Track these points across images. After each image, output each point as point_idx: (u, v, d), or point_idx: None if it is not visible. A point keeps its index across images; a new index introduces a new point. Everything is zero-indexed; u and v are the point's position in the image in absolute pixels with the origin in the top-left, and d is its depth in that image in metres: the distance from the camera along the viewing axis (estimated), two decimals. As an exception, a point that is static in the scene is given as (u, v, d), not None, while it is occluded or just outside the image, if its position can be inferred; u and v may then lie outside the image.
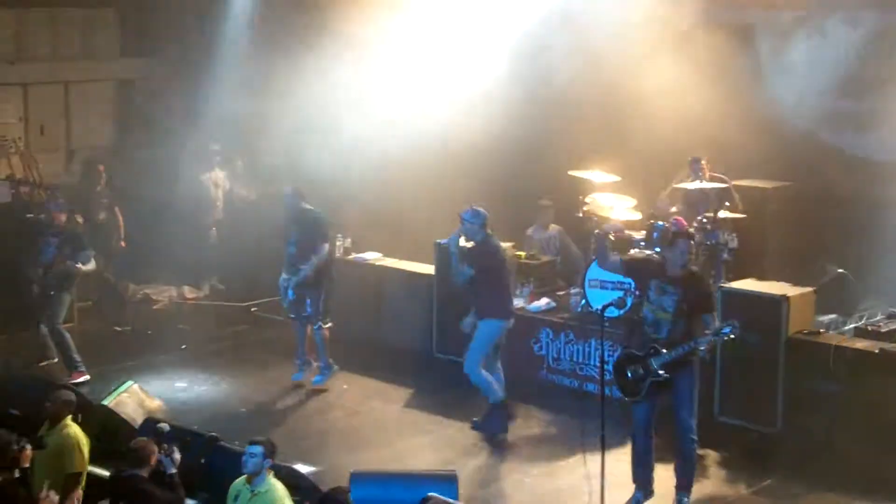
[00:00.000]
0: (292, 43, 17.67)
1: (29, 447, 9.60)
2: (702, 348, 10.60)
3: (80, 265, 14.38)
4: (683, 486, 10.90)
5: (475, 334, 12.77)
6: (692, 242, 11.01)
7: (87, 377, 14.13)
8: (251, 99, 18.41)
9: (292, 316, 14.33)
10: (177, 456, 9.62)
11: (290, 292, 14.10)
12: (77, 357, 14.28)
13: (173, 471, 9.57)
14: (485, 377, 12.76)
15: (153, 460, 9.58)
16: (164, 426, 10.33)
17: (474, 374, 12.75)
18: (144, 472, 9.51)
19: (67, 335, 14.45)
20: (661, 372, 10.51)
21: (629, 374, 10.71)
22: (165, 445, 9.62)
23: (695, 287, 10.69)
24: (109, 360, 14.87)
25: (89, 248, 14.65)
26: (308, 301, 14.03)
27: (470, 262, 12.68)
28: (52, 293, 14.36)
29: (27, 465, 9.67)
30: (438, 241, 15.00)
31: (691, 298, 10.57)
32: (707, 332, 10.54)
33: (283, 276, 14.19)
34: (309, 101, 17.52)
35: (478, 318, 12.77)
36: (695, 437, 10.78)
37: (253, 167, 18.76)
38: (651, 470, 11.01)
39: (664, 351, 10.49)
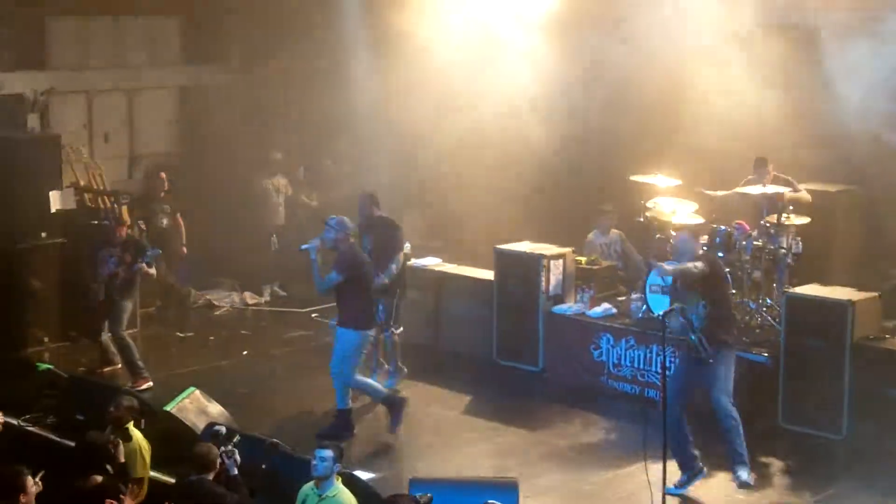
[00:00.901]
0: (352, 48, 17.75)
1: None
2: None
3: (144, 266, 14.41)
4: (737, 461, 11.27)
5: (337, 342, 12.87)
6: (689, 235, 11.88)
7: (150, 384, 14.19)
8: (313, 105, 18.51)
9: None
10: (237, 457, 9.66)
11: None
12: (140, 364, 14.34)
13: (235, 471, 9.61)
14: (362, 380, 12.97)
15: (218, 464, 9.63)
16: (222, 429, 10.38)
17: (353, 382, 12.88)
18: (210, 477, 9.56)
19: (131, 342, 14.52)
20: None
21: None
22: (226, 447, 9.66)
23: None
24: (172, 366, 14.97)
25: (152, 248, 14.69)
26: (381, 307, 13.78)
27: (337, 270, 12.80)
28: (114, 299, 14.45)
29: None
30: (499, 246, 14.98)
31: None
32: None
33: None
34: (369, 108, 17.61)
35: (338, 325, 12.90)
36: (733, 415, 11.23)
37: (314, 174, 18.82)
38: (687, 446, 11.28)
39: None
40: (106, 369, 14.61)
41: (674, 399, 11.24)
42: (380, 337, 14.05)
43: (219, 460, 9.66)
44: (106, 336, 14.59)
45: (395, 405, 12.96)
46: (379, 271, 13.62)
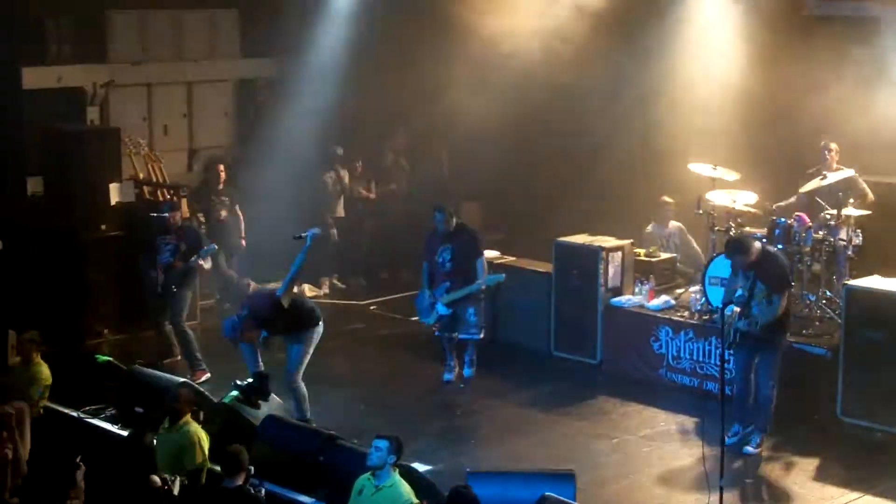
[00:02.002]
0: (412, 42, 17.75)
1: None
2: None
3: (200, 261, 14.48)
4: (757, 427, 12.14)
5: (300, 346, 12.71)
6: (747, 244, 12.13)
7: (208, 375, 14.28)
8: (372, 98, 18.53)
9: (444, 333, 14.04)
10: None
11: (440, 308, 13.82)
12: (199, 356, 14.42)
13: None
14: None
15: (247, 466, 9.66)
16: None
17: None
18: (240, 480, 9.57)
19: (191, 334, 14.59)
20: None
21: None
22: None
23: (767, 268, 11.96)
24: (230, 358, 14.99)
25: (208, 242, 14.72)
26: (471, 310, 13.77)
27: None
28: (173, 290, 14.51)
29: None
30: (558, 239, 14.95)
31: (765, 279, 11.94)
32: None
33: (428, 292, 14.00)
34: (427, 100, 17.61)
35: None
36: (771, 396, 12.03)
37: (373, 167, 18.85)
38: (745, 406, 12.19)
39: None
40: (166, 361, 14.68)
41: (742, 366, 12.19)
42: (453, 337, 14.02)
43: (245, 464, 9.69)
44: (167, 327, 14.68)
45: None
46: (459, 278, 13.71)
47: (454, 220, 14.02)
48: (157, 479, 9.75)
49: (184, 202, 16.29)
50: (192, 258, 14.43)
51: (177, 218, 14.75)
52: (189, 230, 14.87)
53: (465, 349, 14.04)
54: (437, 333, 14.12)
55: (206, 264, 14.73)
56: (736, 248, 12.08)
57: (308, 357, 12.72)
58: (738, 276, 12.09)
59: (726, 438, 11.30)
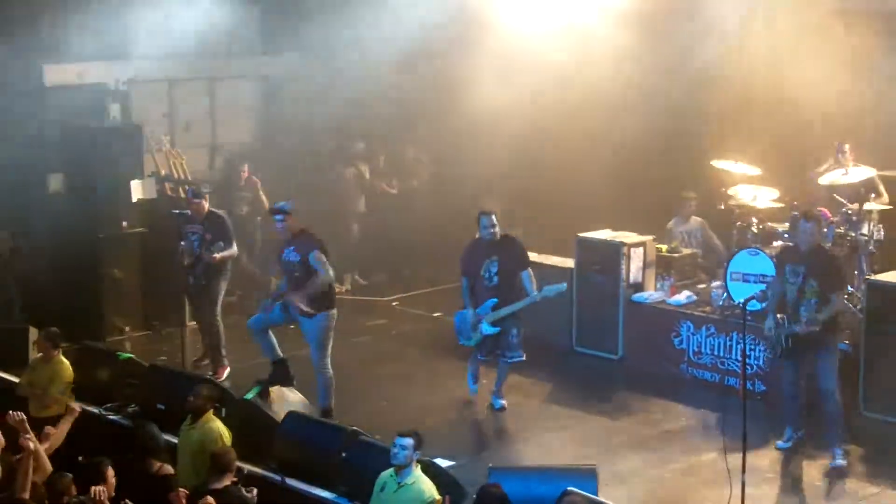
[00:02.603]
0: (435, 37, 17.74)
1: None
2: None
3: (215, 255, 14.03)
4: (833, 441, 11.62)
5: (317, 333, 12.59)
6: (813, 224, 11.62)
7: (229, 369, 14.28)
8: (392, 94, 18.53)
9: (485, 357, 13.24)
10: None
11: (486, 327, 12.90)
12: (224, 352, 14.36)
13: None
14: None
15: (236, 469, 9.65)
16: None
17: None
18: (227, 481, 9.56)
19: (222, 328, 14.34)
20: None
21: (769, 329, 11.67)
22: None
23: (821, 264, 11.54)
24: (252, 355, 15.00)
25: (229, 237, 14.29)
26: (514, 331, 12.89)
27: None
28: (203, 283, 14.27)
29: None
30: (580, 234, 14.94)
31: (818, 276, 11.46)
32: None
33: (471, 311, 13.03)
34: (450, 97, 17.61)
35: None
36: (837, 399, 11.60)
37: (395, 162, 18.85)
38: (797, 408, 11.92)
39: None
40: (206, 361, 14.59)
41: (793, 371, 11.85)
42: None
43: (236, 465, 9.67)
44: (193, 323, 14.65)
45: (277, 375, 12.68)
46: (508, 293, 12.82)
47: (496, 226, 12.93)
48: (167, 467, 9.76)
49: (205, 199, 16.29)
50: (207, 253, 14.09)
51: (203, 206, 14.35)
52: (215, 219, 14.38)
53: (499, 374, 13.27)
54: (480, 357, 13.26)
55: (222, 254, 14.15)
56: (809, 217, 11.75)
57: (330, 341, 12.65)
58: (784, 273, 11.71)
59: (779, 443, 11.84)
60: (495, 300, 12.80)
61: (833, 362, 11.62)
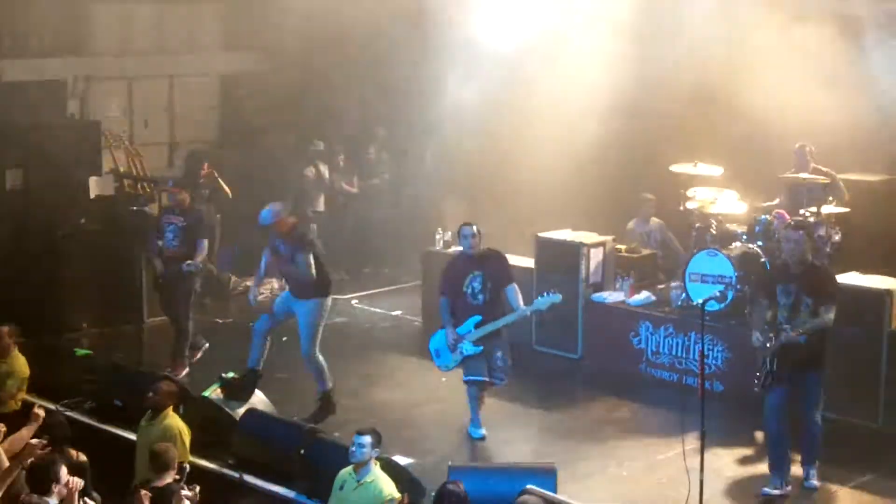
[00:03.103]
0: (396, 35, 17.74)
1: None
2: None
3: (191, 268, 13.85)
4: (809, 460, 11.16)
5: (308, 318, 12.54)
6: (803, 233, 10.97)
7: (188, 370, 14.15)
8: (355, 92, 18.52)
9: (474, 377, 12.18)
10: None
11: (467, 347, 12.10)
12: (187, 352, 14.22)
13: None
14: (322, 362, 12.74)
15: (177, 466, 9.60)
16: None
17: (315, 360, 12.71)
18: (168, 478, 9.50)
19: (189, 330, 14.18)
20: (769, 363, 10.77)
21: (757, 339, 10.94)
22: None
23: (814, 281, 10.80)
24: (210, 352, 15.00)
25: (204, 235, 14.22)
26: (499, 353, 12.13)
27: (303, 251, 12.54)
28: (176, 282, 14.06)
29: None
30: (540, 234, 14.95)
31: (811, 293, 10.72)
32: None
33: (449, 330, 12.20)
34: (410, 95, 17.60)
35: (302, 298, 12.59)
36: (818, 423, 11.00)
37: (354, 161, 18.83)
38: (786, 456, 11.05)
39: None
40: (196, 357, 14.52)
41: (777, 405, 10.95)
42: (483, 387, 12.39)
43: (177, 462, 9.60)
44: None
45: (325, 407, 12.61)
46: (494, 312, 12.08)
47: (479, 240, 12.22)
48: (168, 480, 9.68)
49: (164, 196, 16.25)
50: (184, 265, 13.83)
51: (183, 197, 14.29)
52: (195, 212, 14.36)
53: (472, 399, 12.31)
54: (465, 378, 12.23)
55: (199, 258, 14.08)
56: (798, 226, 11.30)
57: (320, 329, 12.64)
58: (774, 294, 10.91)
59: (764, 489, 11.03)
60: (479, 318, 12.06)
61: (818, 384, 10.97)
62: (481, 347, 12.03)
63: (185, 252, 13.98)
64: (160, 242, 14.13)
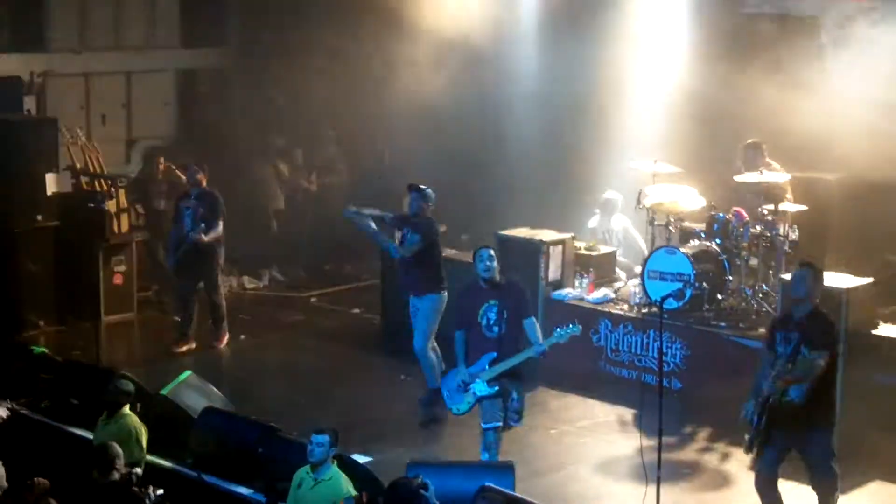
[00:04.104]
0: (355, 32, 17.72)
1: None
2: None
3: (202, 236, 14.54)
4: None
5: (419, 313, 12.72)
6: (813, 271, 10.02)
7: (228, 335, 14.98)
8: (313, 89, 18.48)
9: (490, 423, 10.95)
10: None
11: (480, 387, 10.94)
12: (225, 324, 15.05)
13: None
14: (432, 356, 12.76)
15: (117, 465, 9.53)
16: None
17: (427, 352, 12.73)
18: (115, 476, 9.42)
19: (223, 303, 15.10)
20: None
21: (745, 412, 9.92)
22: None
23: (812, 327, 9.79)
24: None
25: (218, 216, 14.73)
26: (515, 395, 10.98)
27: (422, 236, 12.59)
28: (198, 264, 14.77)
29: None
30: (499, 232, 14.93)
31: (809, 340, 9.71)
32: None
33: (463, 368, 11.09)
34: (369, 92, 17.59)
35: (417, 294, 12.72)
36: (834, 469, 9.91)
37: (314, 158, 18.78)
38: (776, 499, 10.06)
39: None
40: (182, 348, 14.78)
41: (770, 464, 10.00)
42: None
43: (118, 461, 9.54)
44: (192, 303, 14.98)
45: (431, 404, 12.52)
46: (512, 346, 11.01)
47: (497, 267, 11.13)
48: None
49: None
50: (189, 234, 14.52)
51: (200, 180, 14.80)
52: (209, 195, 14.82)
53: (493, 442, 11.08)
54: (485, 426, 10.96)
55: (208, 237, 14.65)
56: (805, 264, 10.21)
57: (436, 325, 12.71)
58: (774, 343, 9.95)
59: None
60: (494, 354, 10.91)
61: (828, 442, 9.91)
62: (496, 388, 10.88)
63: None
64: (181, 227, 14.71)
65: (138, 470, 9.97)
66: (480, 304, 11.02)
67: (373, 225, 13.01)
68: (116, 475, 9.43)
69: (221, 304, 15.05)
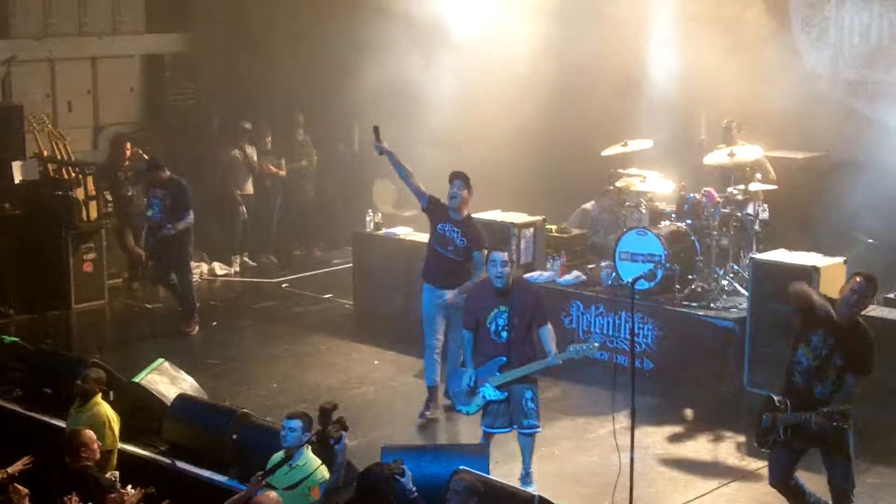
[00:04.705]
0: (323, 16, 17.66)
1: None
2: None
3: (171, 231, 14.68)
4: None
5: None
6: (869, 284, 9.37)
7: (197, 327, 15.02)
8: (282, 74, 18.42)
9: (494, 430, 10.77)
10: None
11: (488, 391, 10.61)
12: (196, 314, 15.10)
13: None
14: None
15: (83, 452, 9.52)
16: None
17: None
18: (88, 462, 9.46)
19: (193, 290, 15.17)
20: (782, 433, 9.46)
21: (763, 421, 9.61)
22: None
23: (853, 341, 9.29)
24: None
25: (186, 205, 14.83)
26: (528, 394, 10.59)
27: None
28: (167, 251, 14.88)
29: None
30: (471, 215, 14.88)
31: (845, 352, 9.26)
32: None
33: (471, 371, 10.72)
34: (341, 76, 17.53)
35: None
36: (851, 498, 9.55)
37: (282, 143, 18.72)
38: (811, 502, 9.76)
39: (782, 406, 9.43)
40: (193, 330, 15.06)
41: (782, 467, 9.72)
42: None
43: (89, 447, 9.53)
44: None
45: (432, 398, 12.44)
46: (525, 352, 10.63)
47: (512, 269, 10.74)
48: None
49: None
50: (161, 230, 14.65)
51: (162, 174, 14.90)
52: (176, 185, 14.93)
53: (522, 452, 10.80)
54: (485, 429, 10.77)
55: (180, 227, 14.80)
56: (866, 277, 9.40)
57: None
58: (808, 340, 9.41)
59: None
60: (503, 359, 10.56)
61: (848, 458, 9.42)
62: (506, 394, 10.55)
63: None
64: (149, 213, 14.87)
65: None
66: (490, 308, 10.64)
67: (405, 170, 12.57)
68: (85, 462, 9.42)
69: (192, 292, 15.07)
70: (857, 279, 9.38)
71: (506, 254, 10.64)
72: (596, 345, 10.71)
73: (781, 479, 9.73)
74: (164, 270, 15.08)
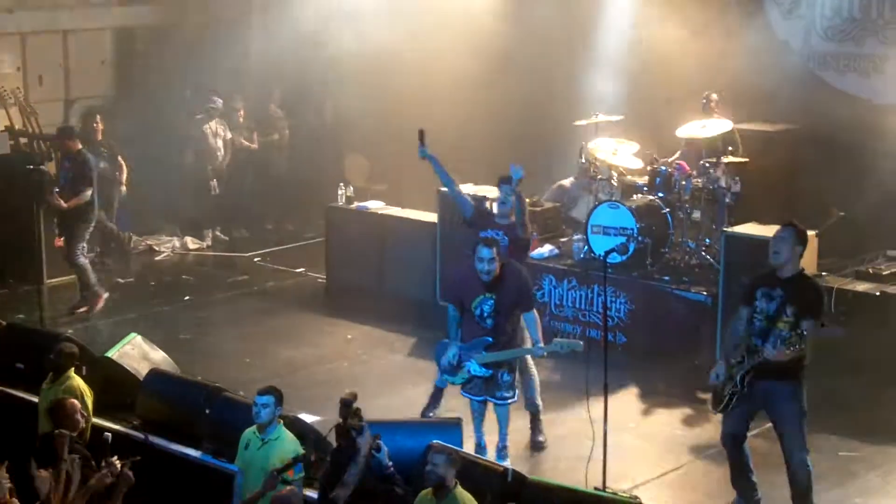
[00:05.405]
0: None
1: None
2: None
3: (60, 202, 14.56)
4: None
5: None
6: (797, 232, 9.59)
7: (106, 296, 14.88)
8: (253, 46, 18.36)
9: (472, 396, 10.86)
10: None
11: (474, 367, 10.66)
12: (94, 285, 14.82)
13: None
14: None
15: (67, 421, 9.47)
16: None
17: None
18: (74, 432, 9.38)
19: (86, 264, 14.87)
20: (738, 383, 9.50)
21: (713, 377, 9.71)
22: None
23: (801, 290, 9.44)
24: (112, 312, 14.88)
25: (87, 181, 14.69)
26: (506, 373, 10.75)
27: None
28: (66, 226, 14.68)
29: None
30: (443, 188, 14.91)
31: (796, 302, 9.36)
32: None
33: (456, 346, 10.75)
34: (312, 49, 17.48)
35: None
36: (809, 468, 9.60)
37: (254, 117, 18.66)
38: (750, 477, 9.88)
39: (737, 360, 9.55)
40: (80, 310, 14.79)
41: (736, 422, 9.74)
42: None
43: (72, 417, 9.51)
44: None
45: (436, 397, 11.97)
46: (507, 339, 10.71)
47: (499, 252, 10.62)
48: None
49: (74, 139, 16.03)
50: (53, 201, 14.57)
51: (71, 145, 14.80)
52: (82, 159, 14.82)
53: (499, 423, 10.99)
54: (464, 394, 10.96)
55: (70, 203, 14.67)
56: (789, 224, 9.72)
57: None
58: (753, 299, 9.59)
59: None
60: (489, 339, 10.62)
61: (799, 417, 9.53)
62: (490, 371, 10.66)
63: (70, 198, 14.61)
64: (58, 189, 14.68)
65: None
66: (475, 294, 10.62)
67: (448, 177, 12.04)
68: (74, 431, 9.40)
69: (86, 269, 14.87)
70: (780, 230, 9.61)
71: (494, 249, 10.52)
72: (581, 342, 10.68)
73: (735, 433, 9.71)
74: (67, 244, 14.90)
